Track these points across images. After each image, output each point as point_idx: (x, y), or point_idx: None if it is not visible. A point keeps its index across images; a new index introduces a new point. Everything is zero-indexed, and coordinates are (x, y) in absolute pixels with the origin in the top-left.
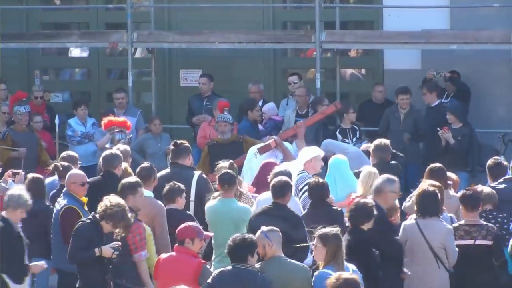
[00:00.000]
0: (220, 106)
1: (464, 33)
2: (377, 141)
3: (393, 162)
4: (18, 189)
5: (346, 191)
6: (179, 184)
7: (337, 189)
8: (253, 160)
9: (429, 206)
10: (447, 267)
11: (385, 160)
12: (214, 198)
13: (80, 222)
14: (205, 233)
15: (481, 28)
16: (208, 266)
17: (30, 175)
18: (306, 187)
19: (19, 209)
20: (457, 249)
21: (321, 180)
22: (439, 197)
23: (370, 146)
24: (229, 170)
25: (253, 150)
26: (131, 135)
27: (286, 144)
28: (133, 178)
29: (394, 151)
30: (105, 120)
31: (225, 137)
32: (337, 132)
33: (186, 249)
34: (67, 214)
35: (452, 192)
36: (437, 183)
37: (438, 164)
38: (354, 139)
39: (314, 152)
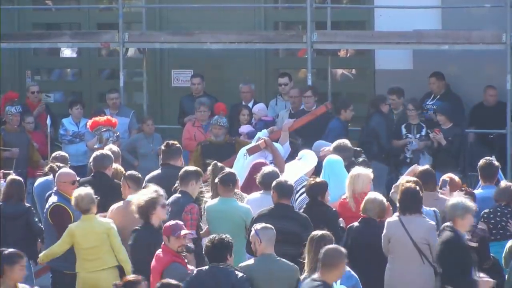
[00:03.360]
0: (217, 109)
1: (456, 33)
2: (336, 142)
3: (360, 159)
4: None
5: (340, 191)
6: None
7: (331, 189)
8: (242, 161)
9: (412, 203)
10: (431, 262)
11: (350, 159)
12: (205, 198)
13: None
14: (188, 232)
15: (472, 29)
16: (182, 265)
17: (9, 177)
18: (303, 189)
19: None
20: None
21: (319, 179)
22: (420, 194)
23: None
24: (231, 170)
25: (242, 151)
26: (118, 133)
27: (276, 145)
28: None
29: (355, 148)
30: (89, 121)
31: (218, 139)
32: (403, 127)
33: (164, 246)
34: (56, 211)
35: (440, 194)
36: (414, 179)
37: (426, 167)
38: (418, 136)
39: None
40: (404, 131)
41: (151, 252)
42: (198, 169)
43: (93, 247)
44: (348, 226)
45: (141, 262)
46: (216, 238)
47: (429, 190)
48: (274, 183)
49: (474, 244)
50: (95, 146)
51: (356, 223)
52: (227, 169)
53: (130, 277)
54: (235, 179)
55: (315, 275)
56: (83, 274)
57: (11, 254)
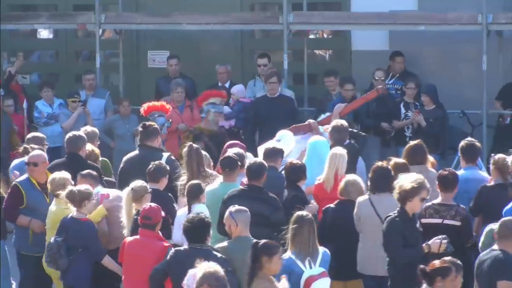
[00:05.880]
0: (216, 95)
1: (432, 15)
2: (334, 122)
3: (348, 142)
4: None
5: (321, 172)
6: (165, 164)
7: (313, 169)
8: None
9: (382, 182)
10: None
11: (342, 141)
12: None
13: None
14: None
15: (448, 10)
16: (173, 249)
17: None
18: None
19: None
20: None
21: (298, 162)
22: (392, 173)
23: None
24: (231, 154)
25: (282, 133)
26: (170, 120)
27: (322, 128)
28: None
29: (355, 130)
30: (144, 106)
31: (214, 128)
32: (401, 106)
33: (151, 232)
34: (11, 190)
35: (431, 167)
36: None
37: (416, 141)
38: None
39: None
40: (403, 110)
41: None
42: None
43: (48, 229)
44: (324, 208)
45: None
46: (196, 218)
47: (418, 164)
48: (247, 164)
49: (457, 223)
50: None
51: (332, 205)
52: (228, 153)
53: None
54: (232, 164)
55: (494, 246)
56: None
57: None
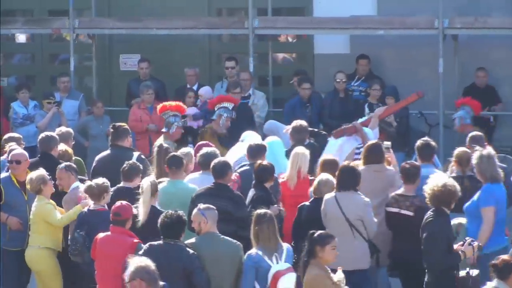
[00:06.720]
0: (226, 100)
1: (391, 19)
2: (294, 123)
3: (308, 141)
4: None
5: (277, 171)
6: (140, 164)
7: None
8: (329, 146)
9: (347, 180)
10: (365, 237)
11: (302, 141)
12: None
13: None
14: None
15: (407, 15)
16: (143, 245)
17: None
18: (241, 169)
19: None
20: (375, 220)
21: (267, 163)
22: (357, 172)
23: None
24: (176, 153)
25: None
26: (184, 119)
27: (366, 130)
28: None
29: (316, 130)
30: (159, 105)
31: (223, 131)
32: (366, 106)
33: (121, 229)
34: None
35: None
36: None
37: (374, 141)
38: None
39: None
40: (367, 110)
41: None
42: None
43: (33, 223)
44: (300, 205)
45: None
46: (174, 214)
47: (376, 163)
48: (211, 163)
49: (410, 214)
50: (163, 130)
51: (307, 203)
52: (176, 153)
53: None
54: (177, 162)
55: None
56: (29, 250)
57: None
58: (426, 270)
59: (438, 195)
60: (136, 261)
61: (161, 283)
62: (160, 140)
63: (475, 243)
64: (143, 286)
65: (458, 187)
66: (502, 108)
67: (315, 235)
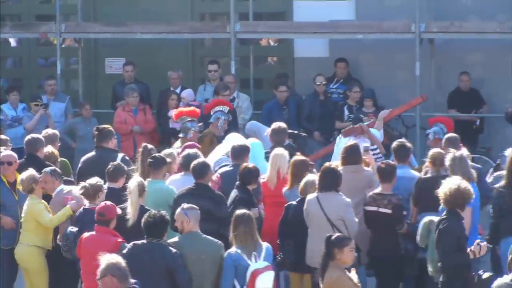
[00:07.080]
0: (221, 104)
1: (369, 24)
2: (273, 125)
3: (287, 143)
4: None
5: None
6: (124, 165)
7: None
8: (340, 144)
9: (329, 181)
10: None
11: (281, 142)
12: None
13: None
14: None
15: (384, 19)
16: (126, 245)
17: None
18: (222, 170)
19: None
20: (356, 220)
21: (252, 165)
22: (338, 173)
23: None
24: (157, 154)
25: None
26: (201, 123)
27: (373, 130)
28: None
29: (296, 131)
30: (175, 111)
31: (221, 133)
32: (345, 108)
33: (105, 228)
34: None
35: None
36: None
37: (352, 143)
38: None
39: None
40: (347, 112)
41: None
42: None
43: (24, 221)
44: (287, 204)
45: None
46: (158, 214)
47: (353, 163)
48: (191, 164)
49: (388, 211)
50: (180, 136)
51: (294, 202)
52: (158, 154)
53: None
54: (156, 163)
55: None
56: (19, 247)
57: None
58: (441, 270)
59: (452, 197)
60: (107, 258)
61: (132, 280)
62: (177, 145)
63: (483, 243)
64: (114, 282)
65: (472, 190)
66: (487, 109)
67: (333, 237)
